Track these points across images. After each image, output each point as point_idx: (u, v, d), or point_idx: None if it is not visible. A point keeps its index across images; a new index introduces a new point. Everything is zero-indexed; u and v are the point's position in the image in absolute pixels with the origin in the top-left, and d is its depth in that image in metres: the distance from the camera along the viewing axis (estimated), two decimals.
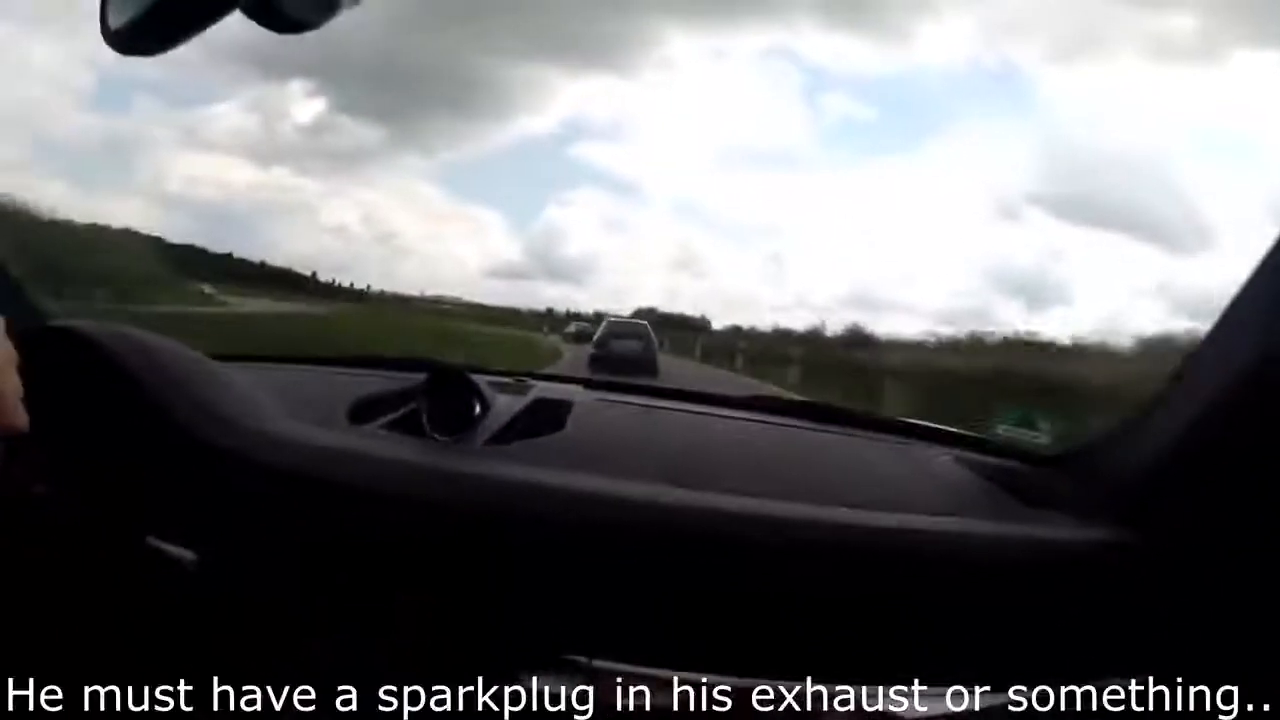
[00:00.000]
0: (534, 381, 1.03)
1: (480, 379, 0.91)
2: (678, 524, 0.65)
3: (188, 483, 0.66)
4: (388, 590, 0.64)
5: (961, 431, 1.08)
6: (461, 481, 0.67)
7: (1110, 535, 0.68)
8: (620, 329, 14.37)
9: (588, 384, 1.09)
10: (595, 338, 14.17)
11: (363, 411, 0.83)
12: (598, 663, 0.61)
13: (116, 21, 0.49)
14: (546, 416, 0.86)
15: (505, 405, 0.88)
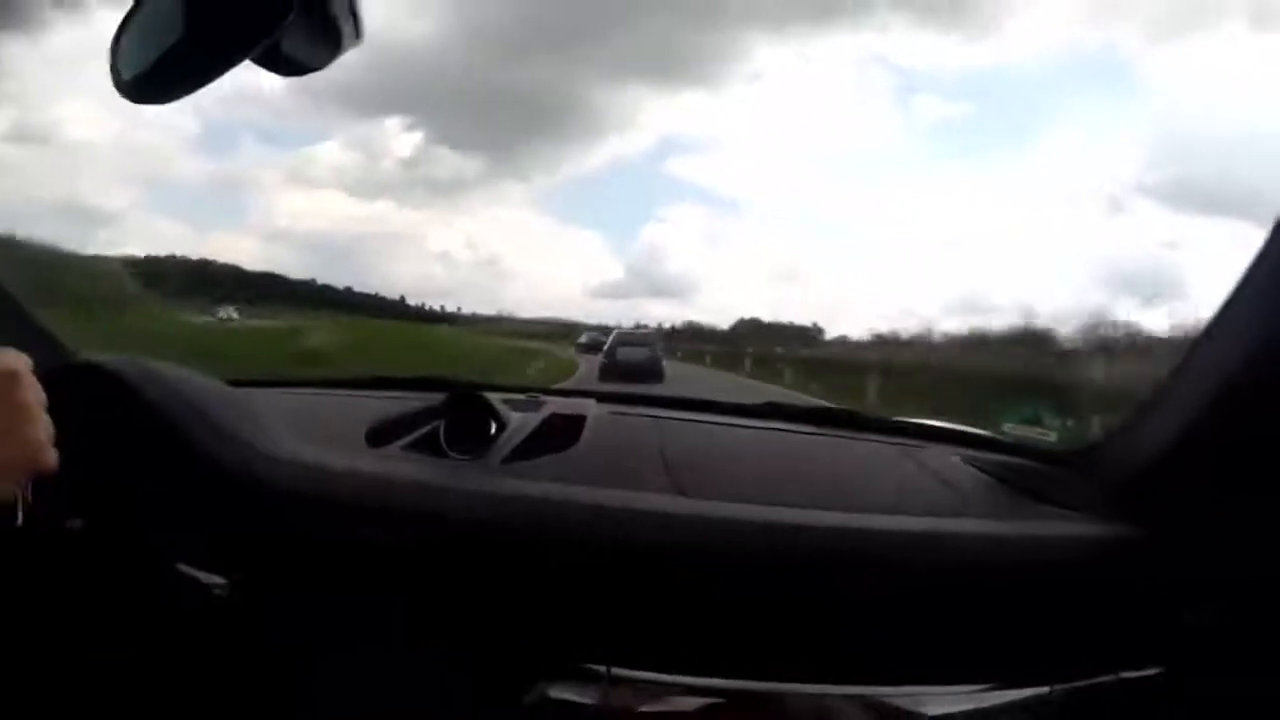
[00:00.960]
0: (546, 398, 1.04)
1: (494, 396, 0.93)
2: (691, 535, 0.66)
3: (214, 510, 0.68)
4: (413, 609, 0.65)
5: (970, 431, 1.09)
6: (482, 500, 0.68)
7: (1121, 532, 0.69)
8: (627, 338, 15.19)
9: (600, 397, 1.10)
10: (605, 347, 14.92)
11: (381, 434, 0.84)
12: (616, 671, 0.62)
13: (128, 72, 0.51)
14: (561, 432, 0.87)
15: (520, 422, 0.90)
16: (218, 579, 0.66)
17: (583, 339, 16.50)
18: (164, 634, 0.67)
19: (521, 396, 1.03)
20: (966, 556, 0.67)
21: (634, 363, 13.04)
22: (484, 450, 0.81)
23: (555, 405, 1.00)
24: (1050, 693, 0.64)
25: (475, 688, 0.64)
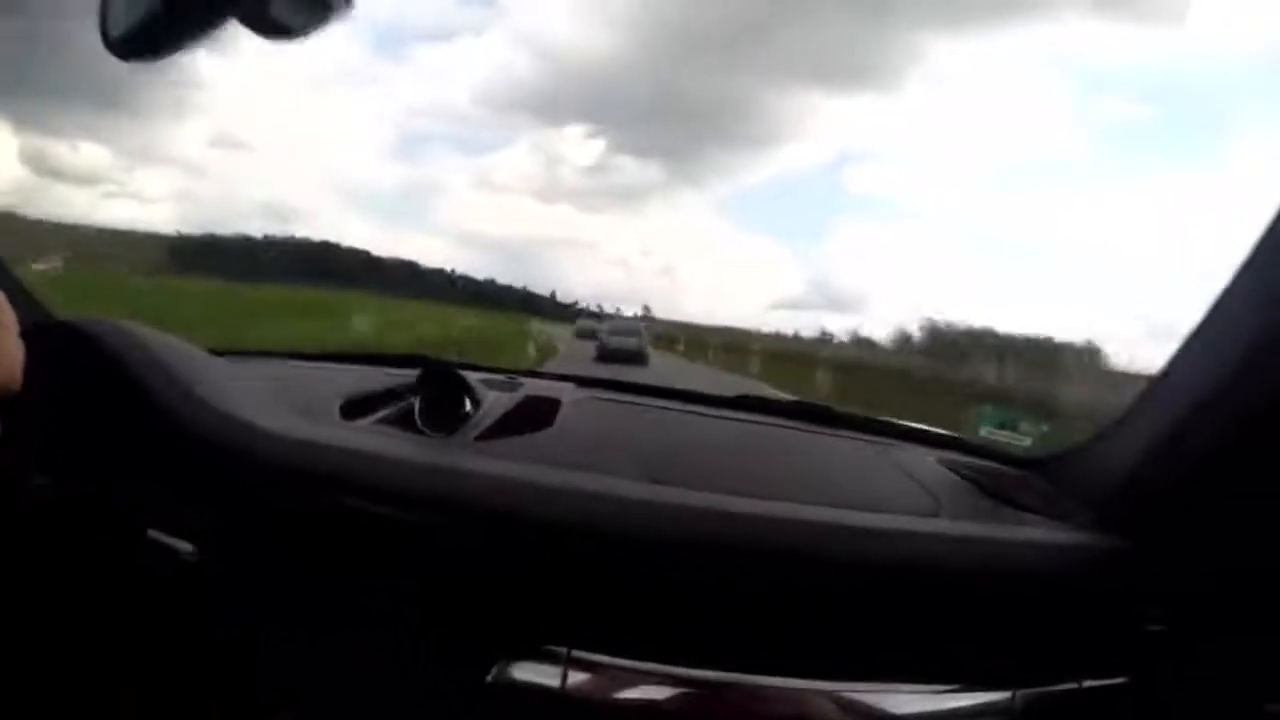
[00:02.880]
0: (525, 379, 1.04)
1: (472, 376, 0.93)
2: (660, 522, 0.66)
3: (184, 475, 0.68)
4: (378, 582, 0.65)
5: (944, 433, 1.09)
6: (452, 476, 0.68)
7: (1091, 539, 0.69)
8: (617, 328, 17.38)
9: (579, 382, 1.10)
10: (602, 333, 17.03)
11: (356, 407, 0.84)
12: (577, 653, 0.62)
13: (115, 30, 0.51)
14: (537, 413, 0.87)
15: (497, 402, 0.90)
16: (186, 545, 0.65)
17: (577, 324, 17.79)
18: (130, 598, 0.67)
19: (500, 377, 1.03)
20: (937, 556, 0.67)
21: (622, 348, 15.45)
22: (457, 428, 0.81)
23: (533, 387, 1.00)
24: (1014, 697, 0.64)
25: (437, 664, 0.64)
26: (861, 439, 1.01)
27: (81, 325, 0.71)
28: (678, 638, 0.64)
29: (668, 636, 0.64)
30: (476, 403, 0.86)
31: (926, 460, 0.91)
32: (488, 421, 0.83)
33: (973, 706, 0.64)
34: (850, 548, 0.66)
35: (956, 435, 1.11)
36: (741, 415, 1.06)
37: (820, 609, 0.65)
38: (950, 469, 0.89)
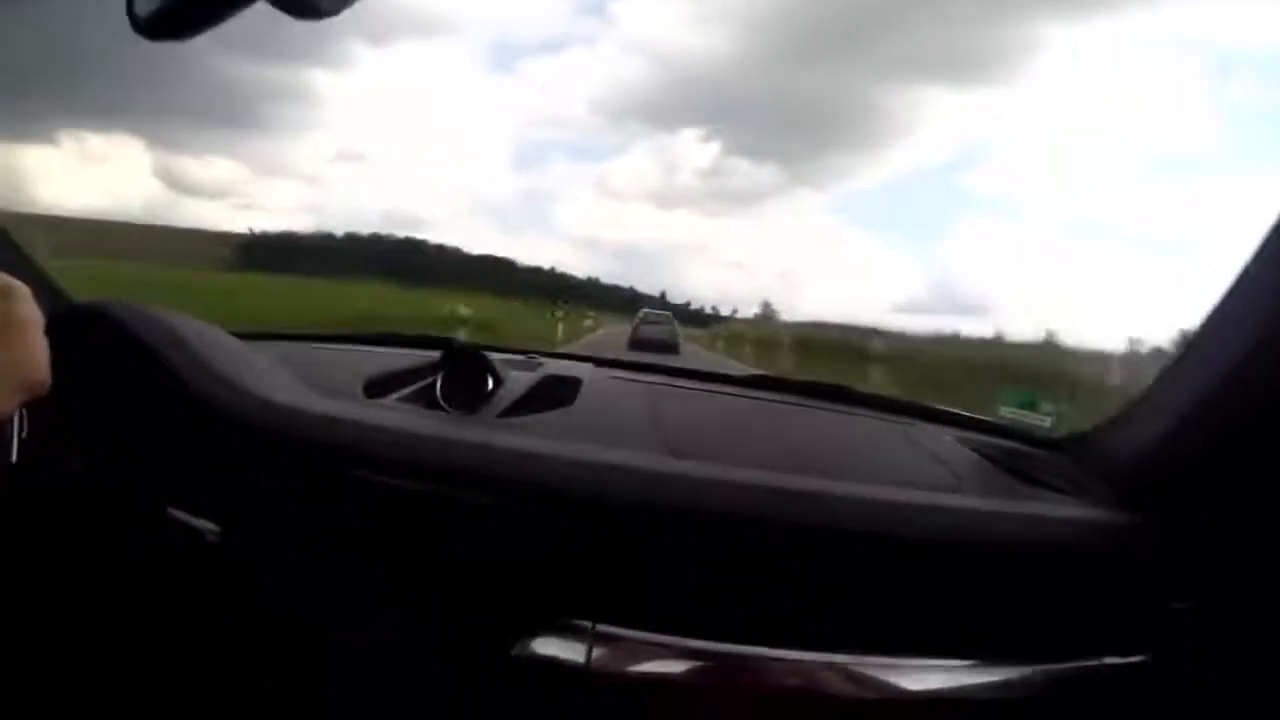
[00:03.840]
0: (545, 359, 1.04)
1: (493, 356, 0.93)
2: (681, 494, 0.66)
3: (209, 456, 0.68)
4: (403, 555, 0.66)
5: (964, 413, 1.08)
6: (476, 451, 0.68)
7: (1112, 517, 0.69)
8: (651, 317, 19.35)
9: (598, 362, 1.10)
10: (635, 324, 18.70)
11: (378, 386, 0.85)
12: (601, 627, 0.63)
13: (143, 10, 0.51)
14: (558, 391, 0.88)
15: (518, 381, 0.90)
16: (210, 525, 0.66)
17: (640, 315, 19.90)
18: (156, 578, 0.68)
19: (521, 357, 1.03)
20: (958, 531, 0.67)
21: (655, 337, 16.81)
22: (480, 405, 0.81)
23: (553, 367, 1.00)
24: (1032, 673, 0.64)
25: (462, 639, 0.64)
26: (880, 418, 1.00)
27: (103, 308, 0.71)
28: (700, 611, 0.64)
29: (690, 609, 0.64)
30: (499, 381, 0.86)
31: (945, 439, 0.91)
32: (509, 399, 0.84)
33: (993, 682, 0.64)
34: (871, 521, 0.66)
35: (976, 416, 1.10)
36: (758, 394, 1.06)
37: (841, 582, 0.65)
38: (970, 448, 0.88)
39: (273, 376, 0.76)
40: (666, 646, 0.63)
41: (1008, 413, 1.27)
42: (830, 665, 0.64)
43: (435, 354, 0.90)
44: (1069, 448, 0.84)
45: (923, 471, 0.81)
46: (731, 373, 1.16)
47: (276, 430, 0.68)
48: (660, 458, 0.71)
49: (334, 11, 0.49)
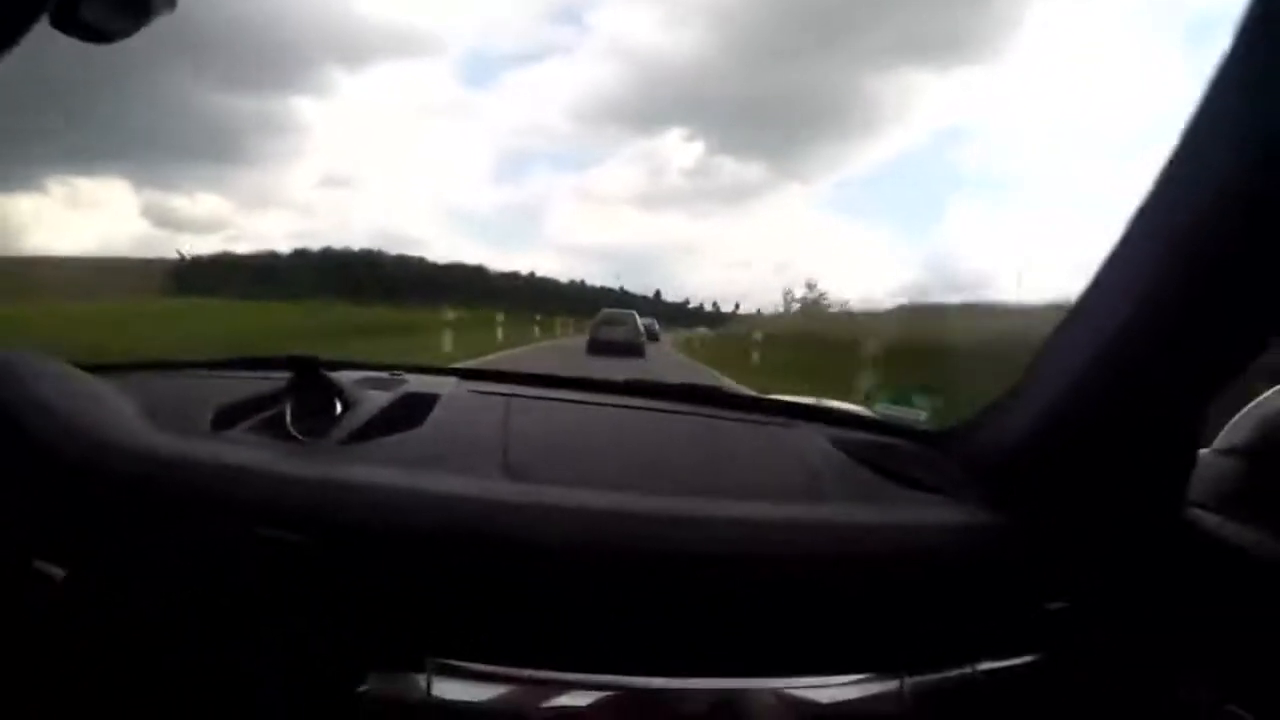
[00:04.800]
0: (409, 375, 1.03)
1: (350, 375, 0.93)
2: (511, 521, 0.65)
3: (55, 501, 0.67)
4: (245, 598, 0.65)
5: (841, 408, 1.09)
6: (307, 485, 0.67)
7: (979, 517, 0.70)
8: (611, 317, 16.66)
9: (463, 374, 1.08)
10: (591, 325, 16.46)
11: (227, 416, 0.83)
12: (440, 660, 0.63)
13: None
14: (408, 412, 0.87)
15: (371, 401, 0.89)
16: (58, 570, 0.65)
17: (599, 316, 17.55)
18: (16, 630, 0.66)
19: (383, 375, 1.01)
20: (814, 545, 0.67)
21: (614, 340, 14.51)
22: (327, 430, 0.80)
23: (416, 384, 0.98)
24: (903, 684, 0.65)
25: (309, 679, 0.64)
26: (752, 420, 1.00)
27: None
28: (539, 639, 0.64)
29: (528, 638, 0.64)
30: (346, 404, 0.85)
31: (818, 440, 0.90)
32: (356, 423, 0.82)
33: (860, 696, 0.65)
34: (715, 539, 0.66)
35: (853, 411, 1.11)
36: (628, 401, 1.05)
37: (682, 604, 0.64)
38: (842, 448, 0.88)
39: (119, 413, 0.74)
40: (508, 678, 0.63)
41: (881, 409, 1.32)
42: (681, 689, 0.64)
43: (287, 375, 0.88)
44: (942, 442, 0.85)
45: (786, 478, 0.81)
46: (602, 379, 1.15)
47: (122, 473, 0.67)
48: (498, 483, 0.71)
49: (126, 34, 0.47)
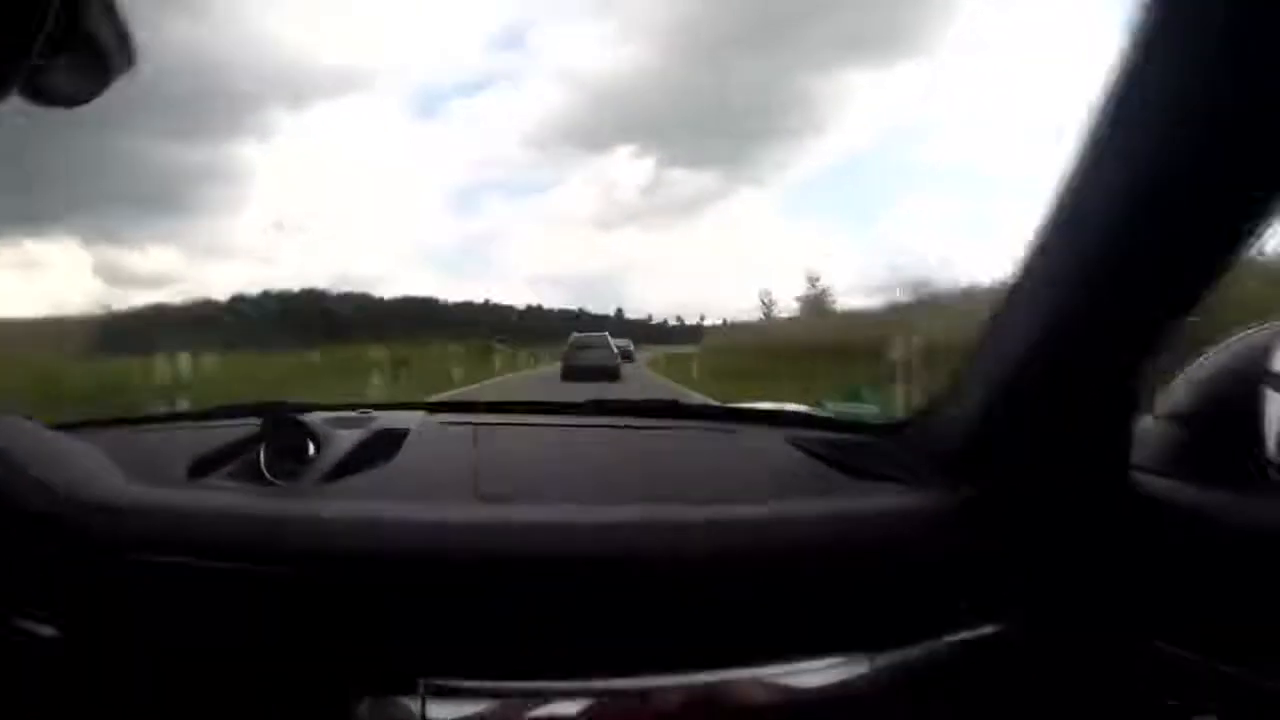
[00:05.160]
0: (377, 413, 1.05)
1: (319, 416, 0.95)
2: (487, 541, 0.68)
3: (37, 561, 0.68)
4: (235, 638, 0.67)
5: (795, 411, 1.13)
6: (288, 525, 0.70)
7: (934, 499, 0.73)
8: (584, 341, 16.03)
9: (430, 408, 1.12)
10: (565, 350, 15.78)
11: (203, 465, 0.85)
12: (430, 680, 0.65)
13: None
14: (380, 448, 0.89)
15: (343, 440, 0.91)
16: (48, 629, 0.66)
17: (571, 340, 16.82)
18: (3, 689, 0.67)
19: (353, 414, 1.04)
20: (786, 539, 0.70)
21: (588, 364, 13.98)
22: (302, 473, 0.83)
23: (384, 420, 1.01)
24: (872, 662, 0.67)
25: (300, 710, 0.66)
26: (710, 428, 1.03)
27: None
28: (522, 651, 0.66)
29: (512, 651, 0.66)
30: (319, 445, 0.88)
31: (775, 442, 0.92)
32: (330, 462, 0.85)
33: (835, 679, 0.67)
34: (682, 542, 0.69)
35: (809, 413, 1.15)
36: (590, 421, 1.09)
37: (657, 605, 0.67)
38: (799, 447, 0.90)
39: (95, 470, 0.76)
40: (495, 691, 0.65)
41: (834, 408, 1.38)
42: (663, 687, 0.66)
43: (257, 422, 0.91)
44: (895, 433, 0.88)
45: (751, 480, 0.83)
46: (564, 402, 1.19)
47: (101, 529, 0.68)
48: (468, 506, 0.74)
49: (90, 98, 0.48)
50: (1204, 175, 0.52)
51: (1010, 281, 0.68)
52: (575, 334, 17.22)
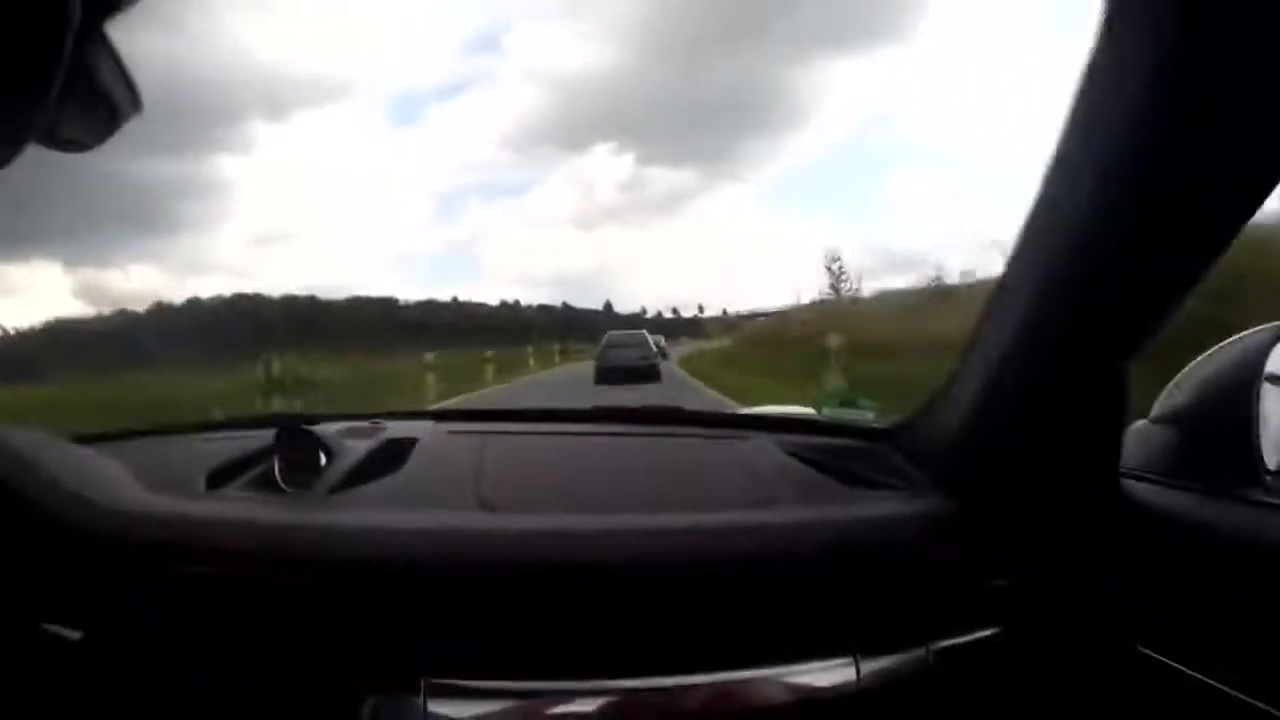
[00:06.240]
0: (388, 422, 1.07)
1: (330, 426, 0.98)
2: (490, 549, 0.70)
3: (64, 569, 0.71)
4: (253, 644, 0.69)
5: (793, 416, 1.15)
6: (301, 533, 0.72)
7: (925, 505, 0.74)
8: (617, 340, 15.22)
9: (440, 416, 1.14)
10: (598, 351, 14.92)
11: (220, 475, 0.88)
12: (433, 680, 0.66)
13: None
14: (389, 457, 0.92)
15: (353, 450, 0.93)
16: (75, 633, 0.69)
17: (605, 339, 15.91)
18: (32, 694, 0.70)
19: (365, 424, 1.06)
20: (780, 544, 0.71)
21: (624, 365, 13.21)
22: (314, 482, 0.85)
23: (393, 430, 1.03)
24: (859, 668, 0.68)
25: (309, 711, 0.68)
26: (709, 435, 1.05)
27: None
28: (520, 654, 0.68)
29: (511, 654, 0.68)
30: (331, 454, 0.90)
31: (771, 449, 0.94)
32: (342, 471, 0.88)
33: (824, 682, 0.68)
34: (678, 548, 0.70)
35: (804, 417, 1.17)
36: (593, 429, 1.11)
37: (654, 610, 0.68)
38: (794, 454, 0.92)
39: (116, 481, 0.78)
40: (496, 691, 0.67)
41: (829, 413, 1.40)
42: (659, 689, 0.67)
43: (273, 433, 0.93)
44: (888, 438, 0.89)
45: (746, 487, 0.84)
46: (565, 409, 1.20)
47: (125, 537, 0.71)
48: (471, 516, 0.77)
49: (100, 141, 0.49)
50: (1185, 176, 0.51)
51: (996, 286, 0.68)
52: (610, 332, 16.24)
